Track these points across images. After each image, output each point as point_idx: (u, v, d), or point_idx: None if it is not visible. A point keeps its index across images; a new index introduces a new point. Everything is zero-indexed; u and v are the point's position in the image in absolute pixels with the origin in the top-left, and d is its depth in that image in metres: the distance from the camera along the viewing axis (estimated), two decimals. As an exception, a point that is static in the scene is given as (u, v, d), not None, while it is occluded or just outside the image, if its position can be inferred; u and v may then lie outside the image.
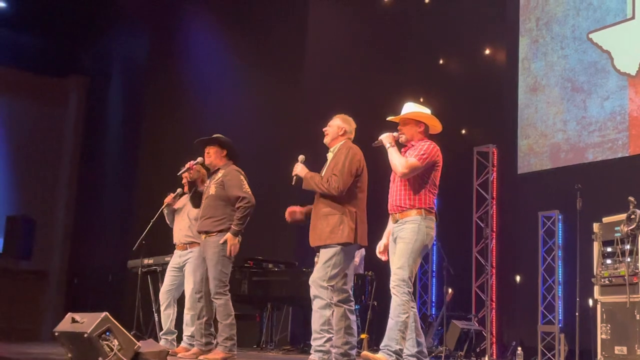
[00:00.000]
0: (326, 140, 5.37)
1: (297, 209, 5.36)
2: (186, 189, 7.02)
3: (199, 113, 11.15)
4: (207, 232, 5.87)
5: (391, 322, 4.73)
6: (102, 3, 12.55)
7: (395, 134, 4.99)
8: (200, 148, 6.19)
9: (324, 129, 5.39)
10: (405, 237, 4.81)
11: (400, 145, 5.07)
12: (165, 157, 10.96)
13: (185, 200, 7.02)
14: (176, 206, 7.07)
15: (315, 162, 5.40)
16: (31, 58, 13.15)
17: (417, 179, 4.86)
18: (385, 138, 4.98)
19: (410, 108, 5.07)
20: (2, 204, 12.86)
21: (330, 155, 5.33)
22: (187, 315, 6.54)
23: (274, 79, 10.61)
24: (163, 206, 7.06)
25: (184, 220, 6.86)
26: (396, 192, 4.93)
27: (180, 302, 6.90)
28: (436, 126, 5.11)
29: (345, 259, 5.08)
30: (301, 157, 5.27)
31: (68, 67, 13.91)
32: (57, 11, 12.46)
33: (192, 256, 6.67)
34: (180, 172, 6.52)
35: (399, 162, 4.83)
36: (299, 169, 5.23)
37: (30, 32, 12.89)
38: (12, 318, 11.07)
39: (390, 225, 4.98)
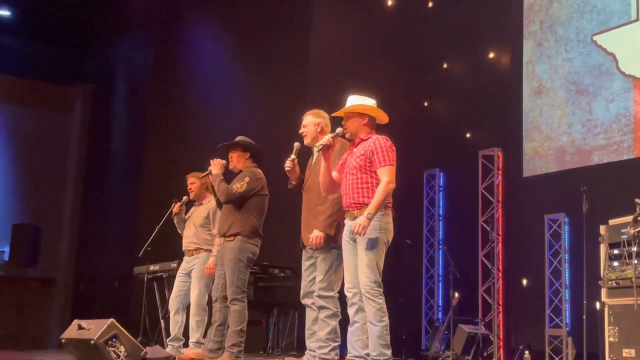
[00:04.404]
0: (307, 141, 5.31)
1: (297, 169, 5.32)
2: (192, 196, 7.06)
3: (204, 120, 11.17)
4: (223, 236, 5.92)
5: (374, 329, 4.57)
6: (106, 11, 12.60)
7: (339, 130, 4.83)
8: (224, 152, 6.23)
9: (300, 131, 5.33)
10: (367, 236, 4.60)
11: (348, 141, 4.94)
12: (170, 163, 10.98)
13: (192, 208, 7.06)
14: (185, 215, 7.11)
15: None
16: (36, 66, 13.20)
17: (372, 174, 4.71)
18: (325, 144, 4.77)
19: (352, 101, 4.88)
20: (8, 211, 12.89)
21: (315, 152, 5.25)
22: (192, 321, 6.56)
23: (278, 84, 10.62)
24: (172, 215, 7.10)
25: (190, 228, 6.92)
26: (351, 188, 4.75)
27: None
28: (381, 117, 4.91)
29: (341, 261, 5.08)
30: (297, 144, 5.24)
31: (73, 75, 13.96)
32: (62, 20, 12.51)
33: (198, 262, 6.71)
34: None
35: (387, 187, 4.61)
36: (316, 235, 5.07)
37: (36, 40, 12.95)
38: (19, 325, 11.09)
39: (348, 223, 4.78)
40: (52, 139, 13.67)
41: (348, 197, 4.77)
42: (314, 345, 5.07)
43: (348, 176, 4.79)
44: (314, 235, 5.00)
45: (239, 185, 5.86)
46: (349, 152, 4.93)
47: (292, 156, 5.19)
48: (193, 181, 6.99)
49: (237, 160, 6.13)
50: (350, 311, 4.75)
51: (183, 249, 6.97)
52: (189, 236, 6.90)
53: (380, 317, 4.55)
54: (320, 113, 5.36)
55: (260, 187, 6.00)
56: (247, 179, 5.91)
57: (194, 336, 6.54)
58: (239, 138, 6.23)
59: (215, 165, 6.08)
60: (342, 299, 5.14)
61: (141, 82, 12.45)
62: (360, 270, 4.64)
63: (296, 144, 5.22)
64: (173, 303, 6.90)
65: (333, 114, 5.00)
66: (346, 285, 4.78)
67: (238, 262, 5.78)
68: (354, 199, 4.73)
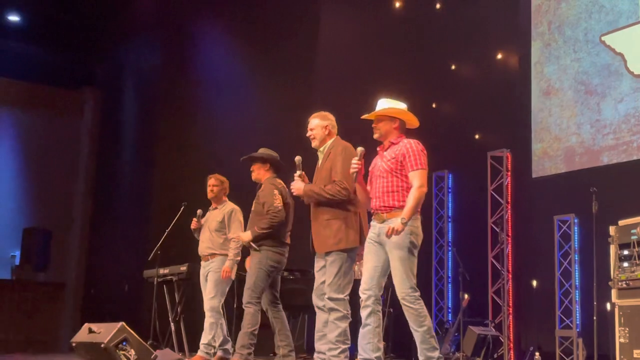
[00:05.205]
0: (315, 144, 5.34)
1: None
2: (210, 196, 7.09)
3: (212, 123, 11.21)
4: (251, 246, 6.08)
5: (417, 335, 4.57)
6: (115, 16, 12.66)
7: (360, 149, 4.77)
8: (247, 164, 6.39)
9: (308, 134, 5.36)
10: (398, 242, 4.59)
11: (377, 143, 4.93)
12: (179, 167, 11.02)
13: (207, 214, 7.07)
14: (203, 222, 7.12)
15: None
16: (45, 71, 13.29)
17: (403, 178, 4.71)
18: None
19: (383, 104, 4.87)
20: (18, 216, 12.97)
21: (320, 155, 5.32)
22: (206, 323, 6.62)
23: (286, 87, 10.64)
24: (193, 233, 7.11)
25: (205, 233, 6.98)
26: (381, 191, 4.73)
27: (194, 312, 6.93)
28: (412, 121, 4.92)
29: (351, 264, 5.10)
30: (298, 159, 5.26)
31: (82, 79, 14.05)
32: (71, 24, 12.59)
33: (213, 266, 6.76)
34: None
35: (419, 191, 4.61)
36: (297, 186, 5.18)
37: (44, 45, 13.03)
38: (30, 329, 11.15)
39: (376, 226, 4.77)
40: (61, 143, 13.74)
41: (378, 200, 4.75)
42: (324, 347, 5.07)
43: (378, 179, 4.78)
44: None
45: (277, 202, 5.98)
46: (378, 155, 4.92)
47: (298, 172, 5.24)
48: (216, 183, 7.04)
49: (258, 172, 6.30)
50: (363, 313, 4.73)
51: (200, 253, 7.00)
52: (205, 241, 6.95)
53: (421, 322, 4.55)
54: (326, 115, 5.38)
55: (285, 196, 6.08)
56: (275, 192, 6.02)
57: (205, 338, 6.59)
58: (261, 150, 6.37)
59: (245, 236, 6.16)
60: (352, 301, 5.14)
61: (150, 86, 12.49)
62: (395, 276, 4.62)
63: (297, 158, 5.24)
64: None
65: (364, 116, 4.94)
66: (362, 287, 4.75)
67: (259, 270, 5.94)
68: (384, 201, 4.72)
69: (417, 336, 4.58)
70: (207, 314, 6.65)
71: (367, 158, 4.88)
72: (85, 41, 13.10)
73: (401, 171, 4.71)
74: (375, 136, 4.87)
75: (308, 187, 5.14)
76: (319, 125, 5.32)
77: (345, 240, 5.02)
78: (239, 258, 6.75)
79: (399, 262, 4.60)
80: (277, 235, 6.01)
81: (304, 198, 5.21)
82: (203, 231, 7.00)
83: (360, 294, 4.76)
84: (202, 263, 6.95)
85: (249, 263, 6.82)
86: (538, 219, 9.37)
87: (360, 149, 4.78)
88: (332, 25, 10.90)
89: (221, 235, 6.85)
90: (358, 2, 11.06)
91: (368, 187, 4.90)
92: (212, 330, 6.60)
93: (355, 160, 4.73)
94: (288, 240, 6.11)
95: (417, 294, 4.61)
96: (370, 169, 4.93)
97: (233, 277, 6.77)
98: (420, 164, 4.69)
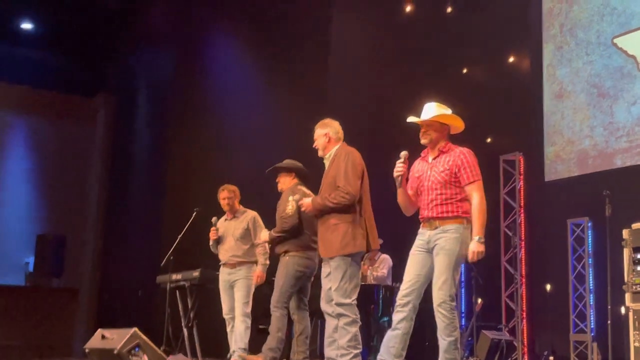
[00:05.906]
0: (319, 154, 5.41)
1: None
2: (227, 209, 7.09)
3: (225, 130, 11.21)
4: (278, 253, 6.23)
5: (443, 343, 4.52)
6: (128, 22, 12.71)
7: (404, 153, 4.66)
8: (272, 176, 6.45)
9: (313, 145, 5.41)
10: (448, 248, 4.54)
11: (421, 147, 4.83)
12: (192, 173, 11.04)
13: (225, 224, 7.06)
14: (220, 233, 7.11)
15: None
16: (59, 78, 13.35)
17: (456, 189, 4.66)
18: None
19: (434, 109, 4.73)
20: (32, 222, 13.03)
21: (327, 162, 5.35)
22: (241, 327, 6.70)
23: (298, 94, 10.64)
24: (210, 242, 7.13)
25: (229, 242, 6.99)
26: (435, 202, 4.64)
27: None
28: (459, 126, 4.83)
29: (357, 268, 5.09)
30: (296, 197, 5.32)
31: (95, 85, 14.10)
32: (84, 31, 12.64)
33: (241, 274, 6.85)
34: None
35: (482, 205, 4.67)
36: (306, 202, 5.27)
37: (58, 52, 13.10)
38: (44, 335, 11.18)
39: (426, 233, 4.67)
40: (75, 150, 13.80)
41: (431, 211, 4.66)
42: (334, 353, 5.06)
43: (430, 191, 4.68)
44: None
45: (289, 209, 6.04)
46: (422, 160, 4.81)
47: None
48: (229, 195, 7.03)
49: (283, 182, 6.37)
50: (396, 317, 4.64)
51: (223, 261, 6.99)
52: (229, 249, 6.95)
53: (450, 332, 4.50)
54: (327, 123, 5.40)
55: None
56: (290, 198, 6.07)
57: (242, 341, 6.63)
58: (286, 161, 6.41)
59: (263, 235, 6.39)
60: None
61: (163, 92, 12.52)
62: (436, 282, 4.56)
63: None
64: (227, 317, 6.95)
65: (415, 120, 4.76)
66: (401, 293, 4.67)
67: (285, 276, 6.02)
68: (438, 212, 4.63)
69: (442, 344, 4.52)
70: (240, 318, 6.70)
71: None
72: (99, 48, 13.16)
73: (455, 182, 4.66)
74: (424, 141, 4.75)
75: (315, 199, 5.23)
76: (320, 134, 5.38)
77: (352, 244, 5.02)
78: (267, 262, 6.80)
79: (445, 267, 4.54)
80: (300, 239, 6.07)
81: (314, 212, 5.26)
82: (226, 240, 6.99)
83: (398, 300, 4.66)
84: (226, 269, 6.94)
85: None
86: (551, 222, 9.33)
87: (404, 153, 4.67)
88: (343, 31, 10.90)
89: (247, 243, 6.89)
90: (369, 7, 11.05)
91: (409, 191, 4.79)
92: (247, 334, 6.67)
93: (399, 165, 4.64)
94: (316, 245, 6.11)
95: (454, 303, 4.56)
96: (414, 174, 4.81)
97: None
98: (476, 175, 4.69)
